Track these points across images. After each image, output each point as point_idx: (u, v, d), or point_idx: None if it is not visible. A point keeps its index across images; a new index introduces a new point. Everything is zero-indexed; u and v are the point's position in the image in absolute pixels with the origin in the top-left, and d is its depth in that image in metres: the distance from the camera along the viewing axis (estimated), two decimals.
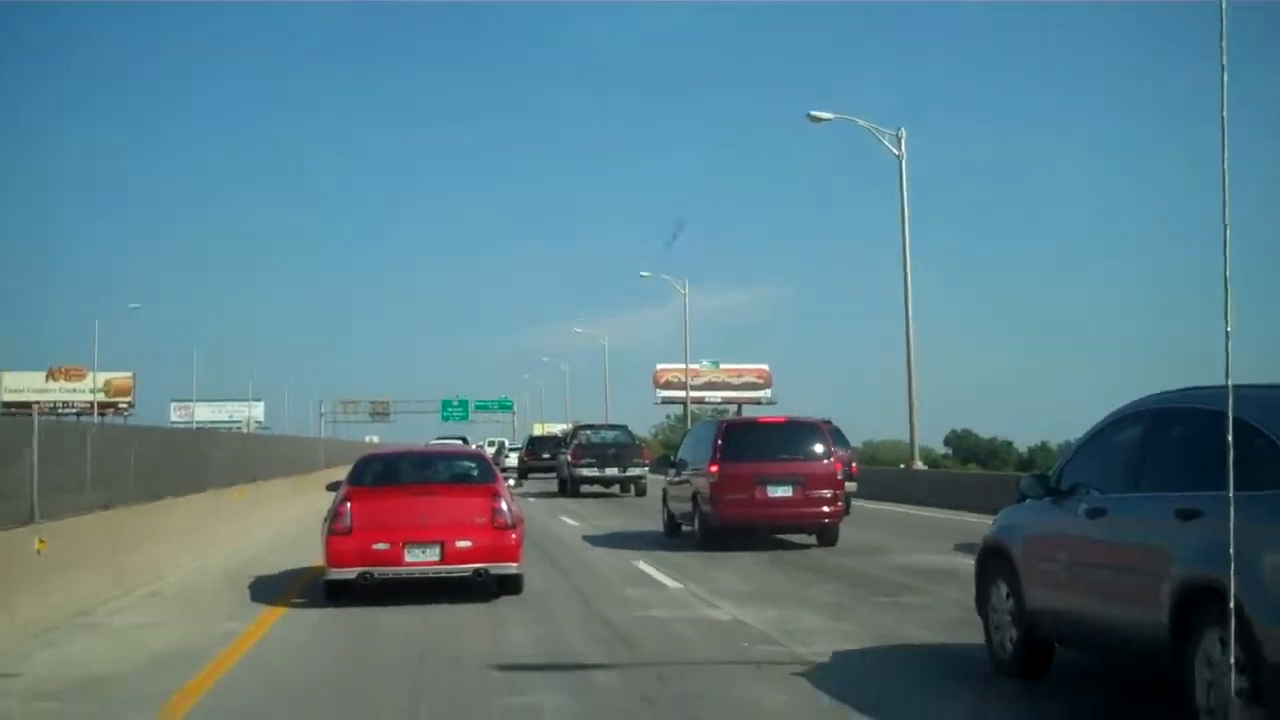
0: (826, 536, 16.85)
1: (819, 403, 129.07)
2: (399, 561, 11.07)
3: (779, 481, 16.36)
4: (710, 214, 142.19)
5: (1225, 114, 4.97)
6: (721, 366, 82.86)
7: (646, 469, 33.47)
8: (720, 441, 16.71)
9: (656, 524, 20.01)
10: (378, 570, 11.07)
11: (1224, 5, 4.90)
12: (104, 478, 13.59)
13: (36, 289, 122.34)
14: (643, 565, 14.35)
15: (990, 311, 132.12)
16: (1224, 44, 4.91)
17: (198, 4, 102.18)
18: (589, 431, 35.79)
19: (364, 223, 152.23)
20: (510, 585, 11.62)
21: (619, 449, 33.30)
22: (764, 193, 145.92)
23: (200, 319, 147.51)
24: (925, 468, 30.96)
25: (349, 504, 11.34)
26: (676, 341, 64.04)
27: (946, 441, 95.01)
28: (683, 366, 65.21)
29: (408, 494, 11.85)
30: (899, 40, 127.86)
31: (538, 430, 72.29)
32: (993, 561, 7.80)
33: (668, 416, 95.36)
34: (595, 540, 18.51)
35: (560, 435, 47.09)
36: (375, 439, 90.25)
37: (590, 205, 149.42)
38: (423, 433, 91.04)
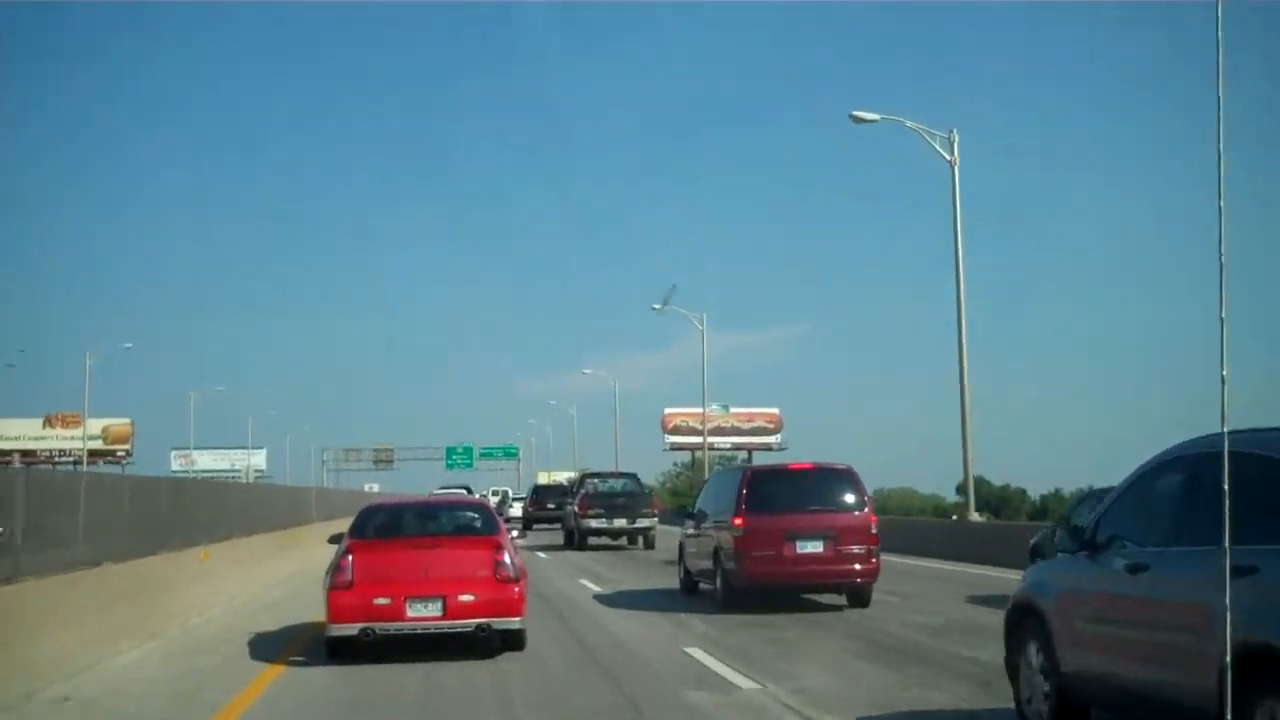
0: (859, 597, 15.35)
1: (830, 448, 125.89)
2: (401, 616, 10.88)
3: (809, 536, 14.94)
4: (718, 254, 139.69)
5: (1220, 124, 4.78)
6: (731, 410, 79.97)
7: (656, 520, 31.79)
8: (745, 491, 15.24)
9: (675, 582, 18.22)
10: (379, 626, 10.87)
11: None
12: (36, 540, 11.02)
13: (34, 334, 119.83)
14: (696, 653, 11.42)
15: (999, 347, 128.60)
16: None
17: (197, 29, 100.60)
18: (596, 480, 34.37)
19: (368, 267, 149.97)
20: (512, 641, 11.32)
21: (628, 499, 31.70)
22: (776, 231, 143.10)
23: (202, 366, 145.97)
24: (981, 519, 27.68)
25: (350, 557, 11.19)
26: (683, 385, 61.66)
27: (958, 490, 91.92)
28: (692, 410, 62.58)
29: (410, 546, 11.64)
30: (909, 74, 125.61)
31: (543, 479, 69.86)
32: (1024, 620, 7.42)
33: (675, 464, 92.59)
34: (621, 606, 16.11)
35: (566, 484, 45.62)
36: (375, 487, 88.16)
37: (595, 246, 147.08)
38: (427, 481, 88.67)
